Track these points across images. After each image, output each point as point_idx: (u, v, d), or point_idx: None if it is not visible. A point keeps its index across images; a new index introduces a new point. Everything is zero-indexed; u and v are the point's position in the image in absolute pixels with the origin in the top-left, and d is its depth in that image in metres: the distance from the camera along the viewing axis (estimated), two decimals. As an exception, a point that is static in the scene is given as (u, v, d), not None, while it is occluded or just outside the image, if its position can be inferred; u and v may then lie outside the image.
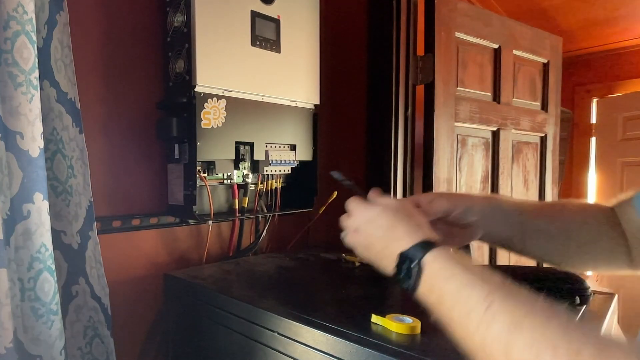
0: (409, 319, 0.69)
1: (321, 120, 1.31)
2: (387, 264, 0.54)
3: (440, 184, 1.40)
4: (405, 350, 0.60)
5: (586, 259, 0.70)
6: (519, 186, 1.71)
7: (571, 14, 2.19)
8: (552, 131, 1.81)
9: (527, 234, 0.69)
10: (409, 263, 0.50)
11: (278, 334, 0.74)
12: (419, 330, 0.67)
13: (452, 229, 0.68)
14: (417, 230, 0.53)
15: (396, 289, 0.95)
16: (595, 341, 0.35)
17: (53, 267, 0.80)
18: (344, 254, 1.18)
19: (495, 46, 1.57)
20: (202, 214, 1.08)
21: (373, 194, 0.61)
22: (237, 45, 1.05)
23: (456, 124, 1.45)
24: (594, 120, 2.72)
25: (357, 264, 1.11)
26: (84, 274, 0.91)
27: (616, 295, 0.84)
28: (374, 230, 0.57)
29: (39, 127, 0.77)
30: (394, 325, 0.68)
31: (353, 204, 0.61)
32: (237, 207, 1.17)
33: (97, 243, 0.91)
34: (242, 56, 1.06)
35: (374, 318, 0.72)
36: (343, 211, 0.67)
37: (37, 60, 0.77)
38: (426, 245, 0.50)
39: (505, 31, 1.60)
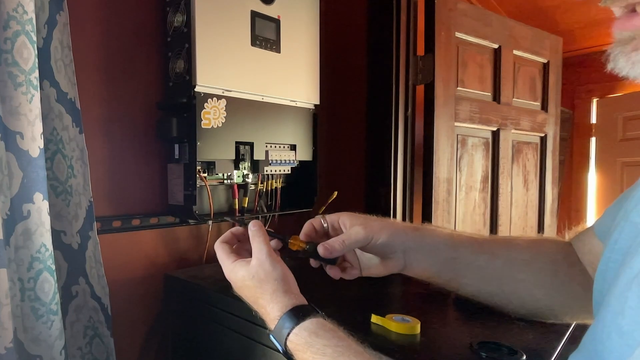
0: (408, 319, 0.69)
1: (321, 120, 1.31)
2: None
3: (440, 184, 1.40)
4: (405, 350, 0.60)
5: (537, 303, 0.61)
6: (519, 186, 1.71)
7: (571, 14, 2.18)
8: (552, 131, 1.81)
9: (461, 272, 0.62)
10: (276, 341, 0.50)
11: (278, 334, 0.74)
12: (418, 330, 0.67)
13: (371, 258, 0.64)
14: (281, 301, 0.51)
15: (396, 289, 0.95)
16: None
17: (53, 267, 0.80)
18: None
19: (495, 46, 1.57)
20: (202, 214, 1.08)
21: (256, 236, 0.55)
22: (237, 45, 1.05)
23: (456, 124, 1.45)
24: (594, 120, 2.72)
25: (357, 264, 1.11)
26: (84, 274, 0.91)
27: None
28: (245, 296, 0.55)
29: (39, 127, 0.77)
30: (394, 325, 0.68)
31: (218, 255, 0.57)
32: (237, 207, 1.17)
33: (97, 243, 0.91)
34: (242, 56, 1.06)
35: (374, 318, 0.72)
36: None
37: (37, 60, 0.77)
38: (292, 317, 0.49)
39: (505, 31, 1.60)
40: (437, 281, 0.64)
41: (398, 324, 0.68)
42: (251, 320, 0.80)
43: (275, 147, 1.18)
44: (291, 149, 1.22)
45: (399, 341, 0.65)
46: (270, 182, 1.24)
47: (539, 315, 0.64)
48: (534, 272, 0.60)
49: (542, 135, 1.79)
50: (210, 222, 1.17)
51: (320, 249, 0.58)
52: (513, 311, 0.64)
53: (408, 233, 0.62)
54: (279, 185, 1.26)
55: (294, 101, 1.20)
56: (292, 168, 1.25)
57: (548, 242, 0.64)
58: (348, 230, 0.61)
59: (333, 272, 0.62)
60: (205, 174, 1.08)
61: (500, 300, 0.63)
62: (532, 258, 0.61)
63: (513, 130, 1.65)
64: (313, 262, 0.62)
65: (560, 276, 0.60)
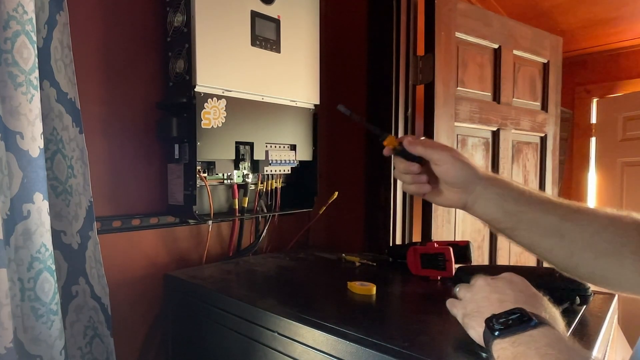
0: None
1: (321, 120, 1.31)
2: (483, 314, 0.53)
3: (440, 184, 1.40)
4: (406, 349, 0.60)
5: (594, 268, 0.60)
6: (519, 186, 1.71)
7: (571, 14, 2.19)
8: (552, 131, 1.81)
9: (522, 225, 0.64)
10: (519, 320, 0.49)
11: (278, 334, 0.74)
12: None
13: (439, 184, 0.69)
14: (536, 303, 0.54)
15: (396, 288, 0.95)
16: None
17: (53, 267, 0.80)
18: (343, 254, 1.18)
19: (495, 46, 1.57)
20: (202, 214, 1.08)
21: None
22: (237, 45, 1.05)
23: (456, 124, 1.45)
24: (594, 120, 2.72)
25: (358, 264, 1.11)
26: (84, 274, 0.91)
27: (616, 296, 0.84)
28: (493, 292, 0.57)
29: (39, 127, 0.77)
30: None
31: (479, 281, 0.61)
32: (237, 207, 1.17)
33: (97, 243, 0.91)
34: (242, 56, 1.06)
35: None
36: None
37: (37, 60, 0.77)
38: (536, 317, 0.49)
39: (505, 31, 1.60)
40: (495, 227, 0.67)
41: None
42: (251, 320, 0.80)
43: (275, 147, 1.18)
44: (291, 149, 1.22)
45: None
46: (270, 182, 1.24)
47: (589, 280, 0.65)
48: (601, 237, 0.59)
49: (542, 135, 1.79)
50: (210, 222, 1.17)
51: (405, 140, 0.69)
52: (568, 270, 0.64)
53: (481, 178, 0.66)
54: (279, 185, 1.26)
55: (294, 101, 1.20)
56: (292, 168, 1.25)
57: (627, 217, 0.61)
58: (438, 148, 0.68)
59: (410, 165, 0.69)
60: (205, 174, 1.08)
61: (555, 256, 0.63)
62: (603, 226, 0.60)
63: (513, 130, 1.65)
64: (399, 163, 0.71)
65: (625, 251, 0.58)
